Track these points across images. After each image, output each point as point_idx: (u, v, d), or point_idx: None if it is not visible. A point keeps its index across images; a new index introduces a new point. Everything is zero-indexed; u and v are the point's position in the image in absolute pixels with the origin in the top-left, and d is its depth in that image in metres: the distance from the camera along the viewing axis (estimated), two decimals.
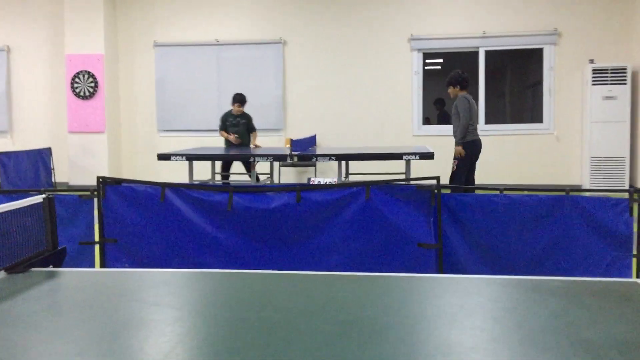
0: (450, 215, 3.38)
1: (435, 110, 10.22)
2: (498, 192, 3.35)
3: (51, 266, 2.56)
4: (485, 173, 8.77)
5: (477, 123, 6.33)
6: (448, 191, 3.40)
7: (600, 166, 8.52)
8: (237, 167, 9.44)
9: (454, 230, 3.39)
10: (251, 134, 8.16)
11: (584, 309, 1.93)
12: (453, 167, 6.27)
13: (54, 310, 1.96)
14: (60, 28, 9.89)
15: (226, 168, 8.18)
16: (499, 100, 11.54)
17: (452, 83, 6.36)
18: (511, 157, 9.02)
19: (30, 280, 2.31)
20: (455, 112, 6.28)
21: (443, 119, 9.92)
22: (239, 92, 8.18)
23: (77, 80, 9.51)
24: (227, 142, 8.06)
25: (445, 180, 8.68)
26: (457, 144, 6.22)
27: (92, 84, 9.48)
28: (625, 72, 8.38)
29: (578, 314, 1.89)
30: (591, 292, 2.12)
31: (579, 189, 7.97)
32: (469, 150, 6.19)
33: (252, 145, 8.15)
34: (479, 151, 6.34)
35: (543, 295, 2.08)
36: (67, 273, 2.43)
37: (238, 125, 7.97)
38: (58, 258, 2.58)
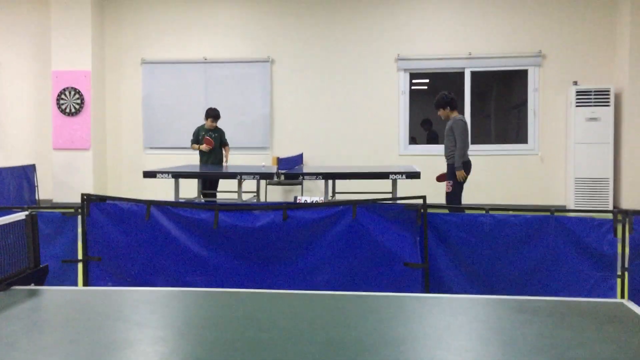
0: (437, 234, 3.38)
1: (424, 130, 10.28)
2: (484, 211, 3.36)
3: (33, 284, 2.52)
4: (471, 193, 8.80)
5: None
6: (434, 211, 3.41)
7: (584, 187, 8.60)
8: (223, 185, 9.42)
9: (440, 249, 3.39)
10: (224, 148, 8.19)
11: (570, 329, 1.93)
12: (448, 188, 6.24)
13: (35, 329, 1.93)
14: (47, 44, 9.85)
15: (210, 186, 8.13)
16: (485, 121, 11.65)
17: (441, 105, 6.34)
18: (496, 177, 9.09)
19: (11, 299, 2.27)
20: (449, 134, 6.24)
21: (432, 140, 9.97)
22: (213, 107, 8.20)
23: (63, 96, 9.47)
24: (203, 156, 8.05)
25: (431, 199, 8.70)
26: (457, 168, 6.15)
27: (78, 101, 9.44)
28: (608, 94, 8.51)
29: (564, 334, 1.89)
30: (576, 313, 2.12)
31: (563, 209, 8.04)
32: (465, 171, 6.19)
33: (224, 162, 8.14)
34: (469, 172, 6.34)
35: (529, 315, 2.08)
36: (49, 291, 2.39)
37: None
38: (40, 276, 2.55)
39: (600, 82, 8.83)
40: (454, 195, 6.24)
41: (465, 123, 6.23)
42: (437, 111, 6.45)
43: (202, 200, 7.65)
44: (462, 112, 9.19)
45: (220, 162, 8.14)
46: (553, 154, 9.02)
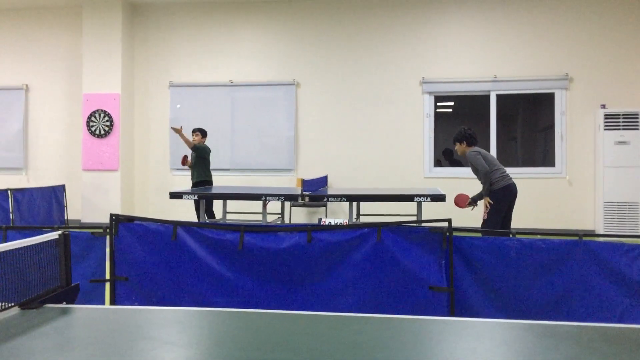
0: (462, 258, 3.36)
1: (445, 159, 10.21)
2: (510, 235, 3.34)
3: (64, 302, 2.57)
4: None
5: (502, 167, 6.13)
6: (460, 234, 3.39)
7: (613, 211, 8.46)
8: (248, 206, 9.51)
9: (466, 273, 3.36)
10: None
11: (598, 356, 1.90)
12: (484, 215, 6.03)
13: (67, 346, 1.96)
14: (78, 68, 10.13)
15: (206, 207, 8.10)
16: (511, 144, 11.56)
17: (458, 140, 6.27)
18: (523, 201, 8.99)
19: (43, 316, 2.32)
20: (472, 168, 6.13)
21: (454, 163, 9.91)
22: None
23: (93, 118, 9.69)
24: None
25: (457, 222, 8.65)
26: (485, 194, 5.99)
27: (108, 123, 9.64)
28: (637, 118, 8.41)
29: None
30: (605, 339, 2.09)
31: (592, 234, 7.91)
32: (501, 197, 5.95)
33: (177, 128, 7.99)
34: (514, 196, 6.06)
35: (556, 341, 2.06)
36: (80, 310, 2.44)
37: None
38: (71, 295, 2.60)
39: (629, 105, 8.73)
40: (489, 224, 5.98)
41: (478, 152, 6.07)
42: (454, 146, 6.40)
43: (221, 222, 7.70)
44: (487, 135, 9.18)
45: (196, 179, 8.10)
46: (581, 177, 8.91)
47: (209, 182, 8.12)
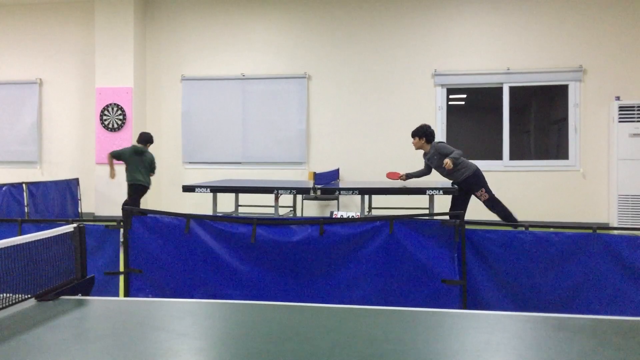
0: (475, 251, 3.35)
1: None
2: (523, 228, 3.32)
3: (80, 294, 2.60)
4: (510, 209, 8.69)
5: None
6: (472, 227, 3.38)
7: (628, 204, 8.39)
8: (260, 199, 9.54)
9: (479, 266, 3.36)
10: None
11: (613, 349, 1.90)
12: (483, 197, 6.47)
13: (83, 338, 1.99)
14: (91, 62, 10.19)
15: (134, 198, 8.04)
16: (524, 136, 11.48)
17: (418, 135, 6.64)
18: (536, 193, 8.94)
19: (59, 308, 2.35)
20: (436, 157, 6.54)
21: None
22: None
23: (106, 112, 9.75)
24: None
25: (469, 215, 8.62)
26: (452, 162, 6.35)
27: (121, 117, 9.70)
28: None
29: (607, 353, 1.85)
30: (619, 332, 2.08)
31: (606, 226, 7.86)
32: (477, 179, 6.48)
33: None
34: (485, 183, 6.56)
35: (570, 334, 2.05)
36: (95, 301, 2.47)
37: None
38: (86, 286, 2.62)
39: None
40: (492, 200, 6.47)
41: (443, 143, 6.61)
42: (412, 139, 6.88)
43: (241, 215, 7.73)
44: (500, 127, 9.13)
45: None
46: (595, 170, 8.84)
47: (136, 185, 7.92)
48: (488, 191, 6.47)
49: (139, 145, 7.95)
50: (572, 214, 8.84)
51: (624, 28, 8.75)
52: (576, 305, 3.25)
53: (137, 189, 7.85)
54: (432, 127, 9.33)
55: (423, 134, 6.62)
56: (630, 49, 8.73)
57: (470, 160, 6.57)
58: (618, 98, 8.59)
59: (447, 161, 6.27)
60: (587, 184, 8.86)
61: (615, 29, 8.77)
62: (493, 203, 6.48)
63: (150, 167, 7.99)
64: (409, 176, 6.94)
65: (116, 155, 7.86)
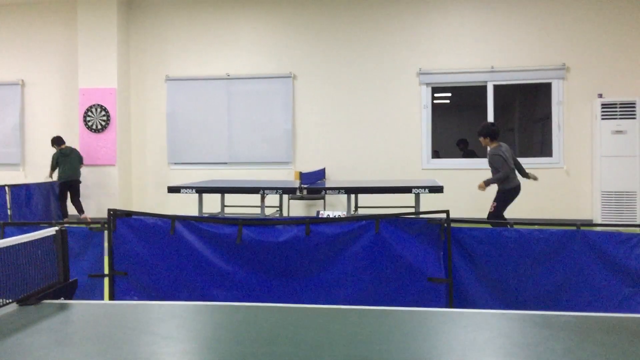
0: (461, 249, 3.37)
1: (459, 150, 10.22)
2: (508, 226, 3.34)
3: (62, 298, 2.57)
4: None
5: (515, 169, 6.75)
6: (458, 225, 3.40)
7: (611, 201, 8.48)
8: (246, 200, 9.51)
9: (464, 264, 3.37)
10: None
11: (597, 345, 1.91)
12: (491, 208, 6.60)
13: (66, 342, 1.96)
14: (74, 62, 10.09)
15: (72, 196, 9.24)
16: (508, 134, 11.57)
17: (482, 134, 6.71)
18: (521, 191, 8.99)
19: (42, 312, 2.32)
20: (492, 167, 6.64)
21: (468, 155, 9.91)
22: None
23: (89, 113, 9.66)
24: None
25: (455, 213, 8.66)
26: (487, 183, 6.56)
27: (105, 118, 9.61)
28: (634, 107, 8.41)
29: (591, 350, 1.86)
30: (604, 328, 2.10)
31: (590, 223, 7.92)
32: (509, 195, 6.60)
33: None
34: (518, 194, 6.69)
35: (555, 331, 2.06)
36: (78, 305, 2.44)
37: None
38: (69, 290, 2.59)
39: (626, 94, 8.73)
40: (495, 216, 6.61)
41: (501, 157, 6.52)
42: (478, 138, 6.86)
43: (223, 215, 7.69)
44: None
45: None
46: (578, 167, 8.92)
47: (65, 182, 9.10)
48: (499, 209, 6.58)
49: (64, 147, 9.13)
50: (557, 211, 8.91)
51: (606, 26, 8.83)
52: (561, 302, 3.27)
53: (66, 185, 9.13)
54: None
55: (486, 133, 6.70)
56: (612, 47, 8.81)
57: (516, 178, 6.67)
58: (601, 95, 8.68)
59: (482, 184, 6.55)
60: (571, 181, 8.94)
61: (598, 27, 8.86)
62: (494, 218, 6.59)
63: (78, 161, 9.26)
64: (525, 176, 6.99)
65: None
